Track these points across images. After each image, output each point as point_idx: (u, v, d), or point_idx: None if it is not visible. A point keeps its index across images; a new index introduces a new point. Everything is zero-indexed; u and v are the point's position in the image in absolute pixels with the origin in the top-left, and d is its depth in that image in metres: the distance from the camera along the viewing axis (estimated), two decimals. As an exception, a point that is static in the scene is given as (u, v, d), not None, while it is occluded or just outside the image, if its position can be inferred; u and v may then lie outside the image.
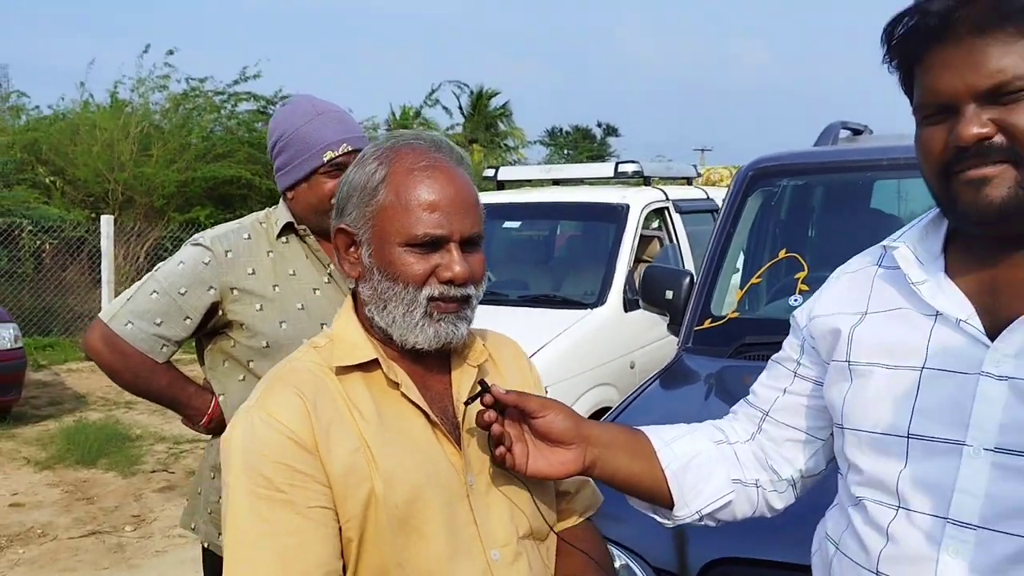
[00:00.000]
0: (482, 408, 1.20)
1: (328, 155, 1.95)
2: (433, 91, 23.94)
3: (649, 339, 4.87)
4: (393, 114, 26.63)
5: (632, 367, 4.81)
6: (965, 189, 1.05)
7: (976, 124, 1.02)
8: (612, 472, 1.28)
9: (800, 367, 1.30)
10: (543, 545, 1.29)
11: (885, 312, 1.17)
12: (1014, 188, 1.02)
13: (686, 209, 5.96)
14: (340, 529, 1.13)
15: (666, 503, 1.30)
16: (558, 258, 6.10)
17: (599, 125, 44.00)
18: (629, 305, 4.88)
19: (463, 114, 31.74)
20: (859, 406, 1.15)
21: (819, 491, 1.37)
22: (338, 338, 1.24)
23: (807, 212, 3.35)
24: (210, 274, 1.98)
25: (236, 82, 15.08)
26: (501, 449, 1.20)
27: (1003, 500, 1.00)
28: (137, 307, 1.98)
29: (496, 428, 1.20)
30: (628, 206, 5.37)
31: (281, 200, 2.09)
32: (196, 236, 2.08)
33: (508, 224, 5.77)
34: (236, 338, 2.00)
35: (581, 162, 27.16)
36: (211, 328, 2.03)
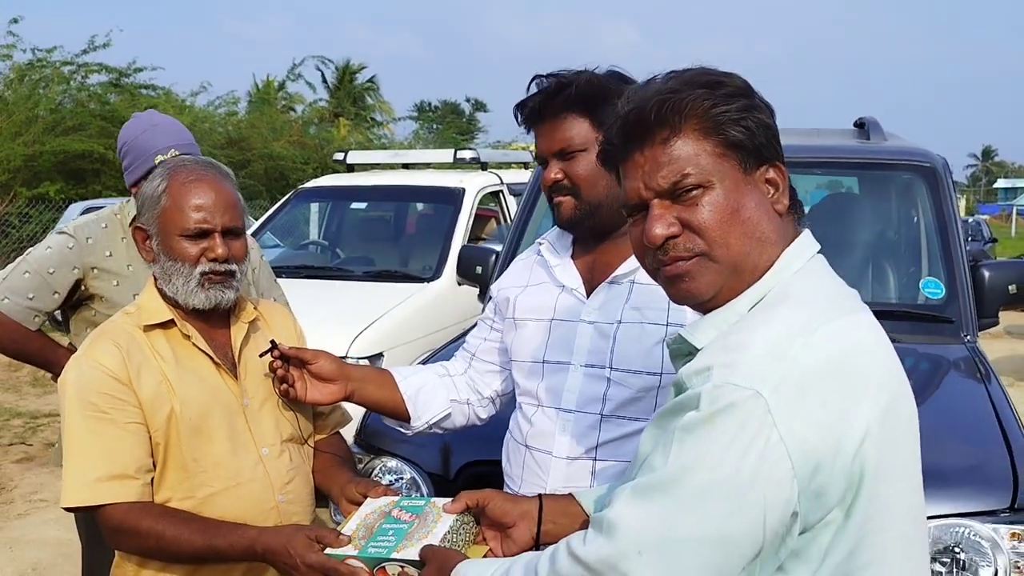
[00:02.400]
0: (271, 359, 1.73)
1: (159, 158, 2.38)
2: (295, 66, 23.79)
3: (480, 309, 5.49)
4: (257, 87, 26.20)
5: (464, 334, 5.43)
6: (557, 210, 1.71)
7: (553, 171, 1.68)
8: (365, 398, 1.83)
9: (493, 323, 1.93)
10: (303, 448, 1.84)
11: (536, 285, 1.83)
12: (574, 210, 1.69)
13: (519, 192, 6.60)
14: (151, 438, 1.63)
15: (405, 418, 1.87)
16: (404, 237, 6.63)
17: (468, 100, 44.42)
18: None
19: (328, 88, 31.55)
20: (520, 346, 1.80)
21: None
22: (143, 306, 1.73)
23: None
24: (74, 256, 2.45)
25: (85, 52, 14.72)
26: (284, 386, 1.75)
27: (586, 393, 1.67)
28: (12, 285, 2.44)
29: (280, 372, 1.73)
30: (464, 189, 5.96)
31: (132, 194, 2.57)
32: (60, 226, 2.56)
33: (355, 205, 6.27)
34: (97, 308, 2.48)
35: (450, 137, 27.65)
36: (75, 301, 2.52)
